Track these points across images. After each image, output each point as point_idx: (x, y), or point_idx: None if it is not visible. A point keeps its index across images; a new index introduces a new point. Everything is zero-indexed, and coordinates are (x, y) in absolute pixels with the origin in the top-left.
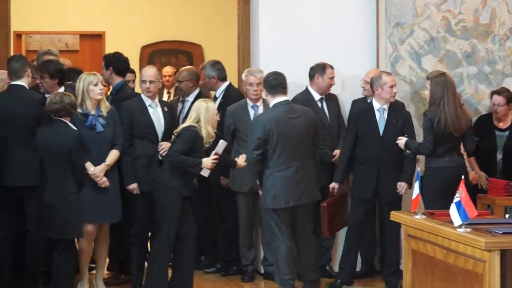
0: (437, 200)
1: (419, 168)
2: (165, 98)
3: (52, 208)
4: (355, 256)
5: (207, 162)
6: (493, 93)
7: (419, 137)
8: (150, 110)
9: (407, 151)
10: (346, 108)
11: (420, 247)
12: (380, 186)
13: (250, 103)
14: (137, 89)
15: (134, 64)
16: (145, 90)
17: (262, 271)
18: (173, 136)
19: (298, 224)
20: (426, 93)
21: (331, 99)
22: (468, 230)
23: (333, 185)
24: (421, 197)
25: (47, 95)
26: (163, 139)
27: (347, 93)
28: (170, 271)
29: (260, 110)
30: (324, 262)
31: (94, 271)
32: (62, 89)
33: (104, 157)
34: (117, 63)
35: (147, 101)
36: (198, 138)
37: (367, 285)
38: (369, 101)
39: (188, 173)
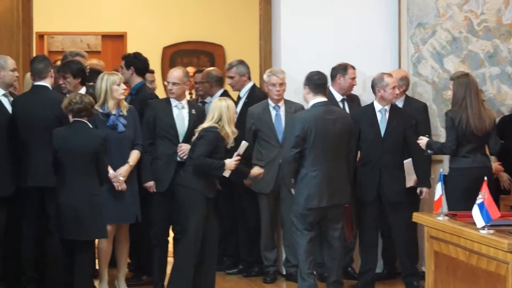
0: (461, 202)
1: (442, 169)
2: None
3: (75, 209)
4: (373, 258)
5: (230, 163)
6: None
7: (443, 138)
8: (175, 111)
9: (428, 151)
10: None
11: (443, 248)
12: (383, 187)
13: (271, 103)
14: (159, 89)
15: (156, 65)
16: (169, 92)
17: (284, 272)
18: (193, 138)
19: (329, 224)
20: (449, 93)
21: (353, 100)
22: (491, 231)
23: None
24: (444, 198)
25: None
26: (184, 141)
27: (368, 93)
28: None
29: (282, 110)
30: (346, 264)
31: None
32: (83, 90)
33: (125, 158)
34: (138, 63)
35: (173, 102)
36: (220, 139)
37: (388, 287)
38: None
39: (211, 174)
